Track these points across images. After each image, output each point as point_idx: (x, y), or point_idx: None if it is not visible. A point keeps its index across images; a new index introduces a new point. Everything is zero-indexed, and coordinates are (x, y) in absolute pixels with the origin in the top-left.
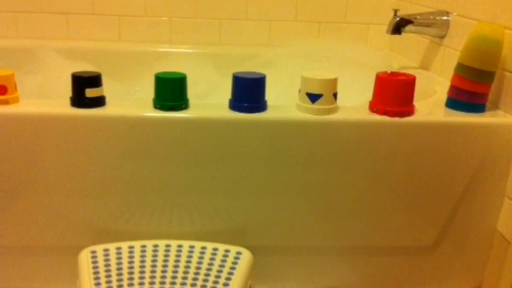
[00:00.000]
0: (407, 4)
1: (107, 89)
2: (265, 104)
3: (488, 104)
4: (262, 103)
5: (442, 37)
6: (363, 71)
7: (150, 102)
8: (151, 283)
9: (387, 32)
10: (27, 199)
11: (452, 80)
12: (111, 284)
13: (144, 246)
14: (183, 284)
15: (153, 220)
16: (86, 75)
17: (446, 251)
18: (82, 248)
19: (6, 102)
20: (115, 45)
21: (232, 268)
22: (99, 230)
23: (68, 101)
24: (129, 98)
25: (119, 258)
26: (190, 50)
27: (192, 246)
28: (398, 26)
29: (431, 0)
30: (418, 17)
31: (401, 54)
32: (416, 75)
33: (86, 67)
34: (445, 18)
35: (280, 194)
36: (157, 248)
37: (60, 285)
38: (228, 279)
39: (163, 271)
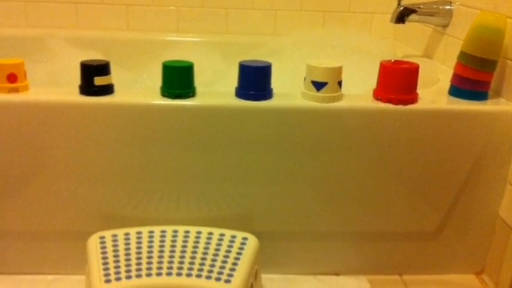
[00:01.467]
0: None
1: (115, 77)
2: (271, 92)
3: (490, 92)
4: (268, 91)
5: (445, 26)
6: (367, 60)
7: (158, 90)
8: (159, 268)
9: (391, 21)
10: (36, 185)
11: (455, 69)
12: (119, 269)
13: (151, 232)
14: (190, 269)
15: (160, 206)
16: (94, 63)
17: (449, 237)
18: (91, 233)
19: (16, 90)
20: (123, 34)
21: (239, 253)
22: (107, 216)
23: (77, 89)
24: (137, 86)
25: (127, 243)
26: (197, 39)
27: (199, 232)
28: (402, 15)
29: None
30: (421, 7)
31: (405, 43)
32: (419, 64)
33: (94, 56)
34: (448, 7)
35: (285, 180)
36: (165, 234)
37: (69, 270)
38: (235, 264)
39: (171, 256)
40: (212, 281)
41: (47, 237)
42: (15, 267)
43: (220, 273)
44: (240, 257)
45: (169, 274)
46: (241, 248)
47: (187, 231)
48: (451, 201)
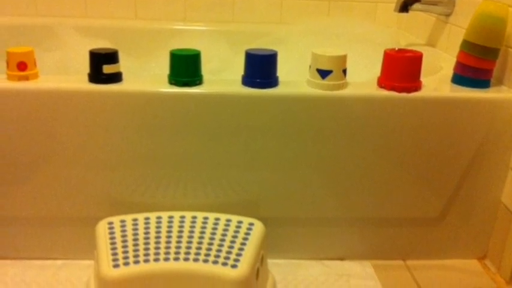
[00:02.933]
0: None
1: (124, 65)
2: (277, 79)
3: (492, 80)
4: (273, 79)
5: (448, 15)
6: (371, 48)
7: (166, 78)
8: (167, 253)
9: (395, 10)
10: (46, 172)
11: (458, 57)
12: (128, 254)
13: (159, 217)
14: (197, 254)
15: (168, 192)
16: (103, 52)
17: (452, 222)
18: (99, 219)
19: (26, 78)
20: (131, 23)
21: (245, 239)
22: (116, 202)
23: (86, 77)
24: (145, 74)
25: (135, 229)
26: (204, 28)
27: (205, 218)
28: (406, 4)
29: None
30: None
31: (409, 32)
32: (423, 52)
33: (103, 44)
34: None
35: (291, 166)
36: (172, 220)
37: (78, 255)
38: (241, 249)
39: (178, 242)
40: (219, 266)
41: (56, 222)
42: (24, 252)
43: (226, 258)
44: (247, 242)
45: (176, 259)
46: (247, 234)
47: (194, 217)
48: (453, 188)
